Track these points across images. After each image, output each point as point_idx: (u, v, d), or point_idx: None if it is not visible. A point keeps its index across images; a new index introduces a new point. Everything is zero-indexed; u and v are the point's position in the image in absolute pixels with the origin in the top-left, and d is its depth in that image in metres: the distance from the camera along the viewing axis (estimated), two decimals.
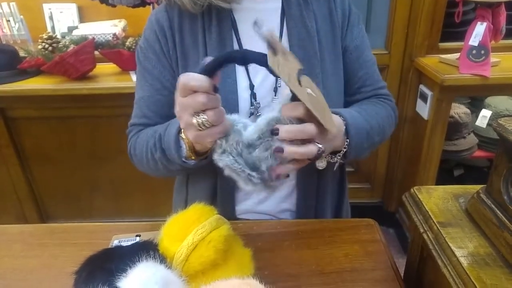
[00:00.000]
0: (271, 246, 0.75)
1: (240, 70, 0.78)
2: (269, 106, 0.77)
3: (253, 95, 0.77)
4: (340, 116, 0.72)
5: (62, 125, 1.79)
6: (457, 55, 1.61)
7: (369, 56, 0.86)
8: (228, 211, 0.85)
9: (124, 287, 0.51)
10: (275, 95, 0.78)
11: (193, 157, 0.69)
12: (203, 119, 0.56)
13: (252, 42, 0.71)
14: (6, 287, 0.69)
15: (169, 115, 0.76)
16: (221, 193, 0.84)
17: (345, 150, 0.72)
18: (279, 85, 0.78)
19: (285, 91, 0.61)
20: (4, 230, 0.83)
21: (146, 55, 0.81)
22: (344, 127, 0.71)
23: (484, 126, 1.86)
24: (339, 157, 0.74)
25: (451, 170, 2.10)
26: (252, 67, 0.77)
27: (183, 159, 0.70)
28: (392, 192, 2.09)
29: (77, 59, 1.66)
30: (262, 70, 0.77)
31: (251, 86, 0.77)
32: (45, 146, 1.83)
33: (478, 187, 0.66)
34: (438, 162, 1.77)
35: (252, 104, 0.77)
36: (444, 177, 1.97)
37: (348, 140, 0.71)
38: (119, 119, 1.76)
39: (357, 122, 0.73)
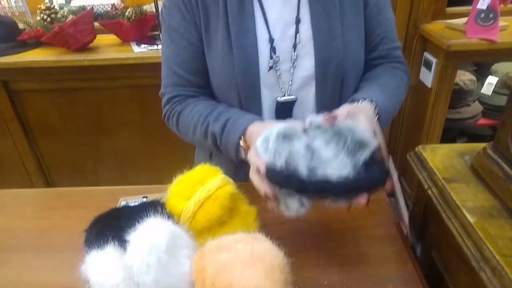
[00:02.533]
0: None
1: (259, 23, 0.77)
2: (289, 60, 0.77)
3: (272, 49, 0.77)
4: (371, 102, 0.71)
5: (65, 97, 1.78)
6: (464, 19, 1.57)
7: (389, 14, 0.84)
8: None
9: (132, 241, 0.52)
10: (294, 51, 0.77)
11: None
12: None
13: None
14: (20, 246, 0.71)
15: (199, 71, 0.81)
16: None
17: None
18: (298, 41, 0.77)
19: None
20: (16, 194, 0.85)
21: (170, 13, 0.80)
22: (376, 115, 0.70)
23: (490, 93, 1.84)
24: None
25: (454, 139, 2.09)
26: (272, 19, 0.76)
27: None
28: (394, 160, 2.09)
29: (76, 29, 1.64)
30: (281, 23, 0.77)
31: (271, 40, 0.77)
32: (49, 119, 1.83)
33: (483, 144, 0.65)
34: (441, 131, 1.76)
35: (271, 57, 0.77)
36: None
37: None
38: (121, 91, 1.76)
39: (386, 109, 0.73)
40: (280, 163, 0.54)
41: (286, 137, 0.56)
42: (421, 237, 0.73)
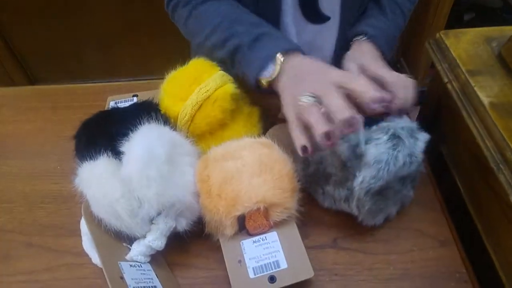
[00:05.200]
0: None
1: None
2: None
3: None
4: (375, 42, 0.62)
5: None
6: None
7: None
8: None
9: (128, 152, 0.47)
10: None
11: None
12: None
13: None
14: (5, 151, 0.67)
15: None
16: None
17: None
18: None
19: None
20: None
21: None
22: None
23: None
24: None
25: (461, 15, 1.94)
26: None
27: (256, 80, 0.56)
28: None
29: None
30: None
31: None
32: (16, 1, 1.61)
33: None
34: (451, 4, 1.61)
35: None
36: (453, 23, 1.84)
37: None
38: None
39: (388, 48, 0.65)
40: None
41: None
42: (429, 130, 0.70)
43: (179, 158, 0.50)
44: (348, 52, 0.63)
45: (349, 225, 0.53)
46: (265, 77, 0.54)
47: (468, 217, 0.55)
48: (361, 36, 0.63)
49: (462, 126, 0.54)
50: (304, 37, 0.72)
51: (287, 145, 0.51)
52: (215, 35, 0.60)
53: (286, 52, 0.53)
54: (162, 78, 0.62)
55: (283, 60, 0.52)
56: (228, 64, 0.60)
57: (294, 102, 0.47)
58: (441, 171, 0.63)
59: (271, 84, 0.54)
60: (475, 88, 0.53)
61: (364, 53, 0.61)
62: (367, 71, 0.55)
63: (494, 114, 0.50)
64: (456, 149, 0.62)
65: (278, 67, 0.52)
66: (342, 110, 0.43)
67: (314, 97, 0.45)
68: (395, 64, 2.04)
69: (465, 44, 0.61)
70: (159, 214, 0.46)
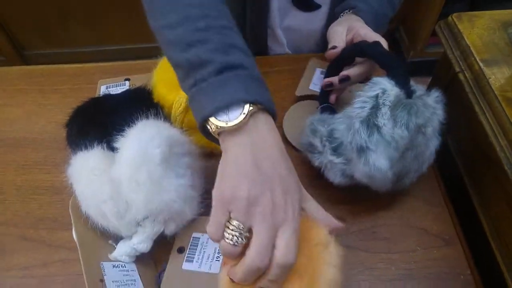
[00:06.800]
0: (277, 87, 0.67)
1: None
2: None
3: None
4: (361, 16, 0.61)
5: None
6: None
7: None
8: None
9: (121, 150, 0.45)
10: None
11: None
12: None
13: None
14: None
15: None
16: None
17: None
18: None
19: None
20: None
21: None
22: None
23: None
24: None
25: None
26: None
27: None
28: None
29: None
30: None
31: None
32: None
33: None
34: None
35: None
36: None
37: None
38: None
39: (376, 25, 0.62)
40: None
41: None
42: None
43: (176, 159, 0.47)
44: (335, 22, 0.62)
45: (351, 222, 0.52)
46: (221, 120, 0.36)
47: (473, 214, 0.54)
48: (348, 10, 0.62)
49: (473, 120, 0.51)
50: (291, 24, 0.70)
51: None
52: (180, 29, 0.40)
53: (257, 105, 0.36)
54: (155, 59, 0.59)
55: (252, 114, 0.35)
56: (178, 71, 0.42)
57: (222, 204, 0.33)
58: (446, 162, 0.61)
59: (220, 134, 0.37)
60: (490, 81, 0.50)
61: (352, 19, 0.60)
62: (353, 30, 0.55)
63: (510, 111, 0.47)
64: (465, 143, 0.59)
65: (242, 118, 0.35)
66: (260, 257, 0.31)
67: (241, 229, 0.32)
68: (393, 33, 1.95)
69: (480, 30, 0.57)
70: (146, 218, 0.45)
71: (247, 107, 0.35)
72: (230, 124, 0.35)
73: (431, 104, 0.47)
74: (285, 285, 0.34)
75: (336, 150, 0.47)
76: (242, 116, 0.35)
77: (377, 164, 0.44)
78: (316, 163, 0.51)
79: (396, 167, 0.46)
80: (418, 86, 0.48)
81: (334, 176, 0.49)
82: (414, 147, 0.47)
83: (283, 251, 0.32)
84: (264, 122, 0.36)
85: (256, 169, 0.34)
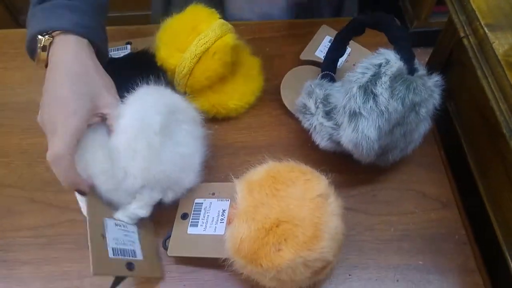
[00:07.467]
0: (279, 52, 0.67)
1: None
2: None
3: None
4: None
5: None
6: None
7: None
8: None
9: (122, 115, 0.44)
10: None
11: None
12: None
13: None
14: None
15: None
16: None
17: None
18: None
19: None
20: None
21: None
22: None
23: None
24: None
25: None
26: None
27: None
28: None
29: None
30: None
31: None
32: None
33: None
34: None
35: None
36: None
37: None
38: None
39: None
40: None
41: None
42: None
43: (177, 126, 0.47)
44: None
45: (351, 185, 0.53)
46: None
47: (471, 179, 0.55)
48: None
49: (475, 86, 0.52)
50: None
51: None
52: None
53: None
54: (157, 24, 0.58)
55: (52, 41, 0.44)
56: None
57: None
58: (446, 128, 0.62)
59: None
60: (494, 45, 0.50)
61: None
62: None
63: None
64: (465, 108, 0.60)
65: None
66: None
67: None
68: (396, 1, 1.90)
69: None
70: (144, 187, 0.45)
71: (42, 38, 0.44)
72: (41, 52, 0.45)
73: (430, 86, 0.48)
74: (289, 238, 0.35)
75: (328, 114, 0.49)
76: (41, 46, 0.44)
77: (366, 132, 0.45)
78: (306, 124, 0.52)
79: (384, 140, 0.47)
80: (421, 66, 0.49)
81: (321, 139, 0.50)
82: (405, 124, 0.48)
83: None
84: (62, 45, 0.44)
85: (44, 94, 0.44)
